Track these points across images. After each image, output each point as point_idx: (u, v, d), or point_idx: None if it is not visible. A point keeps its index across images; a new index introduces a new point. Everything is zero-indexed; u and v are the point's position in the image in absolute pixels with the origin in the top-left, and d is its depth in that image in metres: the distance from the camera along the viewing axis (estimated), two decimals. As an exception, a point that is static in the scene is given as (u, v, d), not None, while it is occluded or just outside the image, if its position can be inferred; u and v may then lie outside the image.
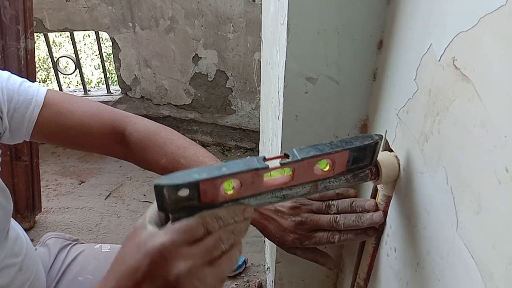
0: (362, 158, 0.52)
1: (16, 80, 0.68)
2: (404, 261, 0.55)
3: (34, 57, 1.54)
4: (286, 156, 0.47)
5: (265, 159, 0.45)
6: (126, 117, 0.74)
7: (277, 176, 0.49)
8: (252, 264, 1.60)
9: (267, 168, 0.45)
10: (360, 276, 0.71)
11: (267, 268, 1.44)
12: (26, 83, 0.69)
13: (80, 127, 0.70)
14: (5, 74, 0.68)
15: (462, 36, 0.39)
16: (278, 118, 0.76)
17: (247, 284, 1.52)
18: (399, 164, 0.56)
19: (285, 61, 0.64)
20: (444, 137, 0.43)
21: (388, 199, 0.60)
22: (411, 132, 0.51)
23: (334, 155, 0.49)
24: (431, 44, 0.46)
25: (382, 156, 0.57)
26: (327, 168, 0.51)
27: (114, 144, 0.73)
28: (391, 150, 0.59)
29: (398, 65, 0.56)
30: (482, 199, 0.36)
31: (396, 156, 0.57)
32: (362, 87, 0.66)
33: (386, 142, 0.61)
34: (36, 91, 0.68)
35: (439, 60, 0.44)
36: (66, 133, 0.70)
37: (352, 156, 0.51)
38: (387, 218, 0.61)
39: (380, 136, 0.52)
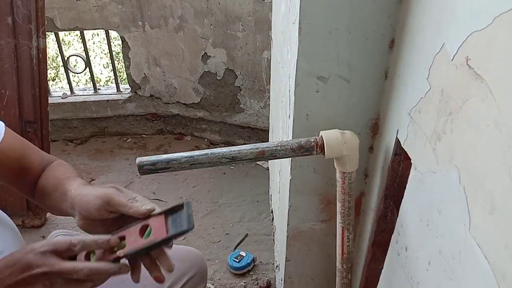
0: None
1: None
2: (415, 260, 0.55)
3: (46, 56, 1.55)
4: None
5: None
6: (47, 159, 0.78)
7: None
8: (260, 262, 1.60)
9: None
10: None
11: (276, 266, 1.44)
12: None
13: None
14: None
15: (476, 36, 0.39)
16: (289, 117, 0.76)
17: (256, 282, 1.52)
18: (346, 140, 0.60)
19: (297, 60, 0.64)
20: (457, 137, 0.43)
21: (343, 176, 0.63)
22: (423, 131, 0.51)
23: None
24: (444, 43, 0.45)
25: (328, 132, 0.61)
26: None
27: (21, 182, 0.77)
28: (402, 149, 0.59)
29: (410, 64, 0.56)
30: (496, 199, 0.36)
31: (343, 133, 0.60)
32: (373, 86, 0.66)
33: (398, 141, 0.61)
34: None
35: (452, 60, 0.44)
36: None
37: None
38: (398, 218, 0.61)
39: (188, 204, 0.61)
